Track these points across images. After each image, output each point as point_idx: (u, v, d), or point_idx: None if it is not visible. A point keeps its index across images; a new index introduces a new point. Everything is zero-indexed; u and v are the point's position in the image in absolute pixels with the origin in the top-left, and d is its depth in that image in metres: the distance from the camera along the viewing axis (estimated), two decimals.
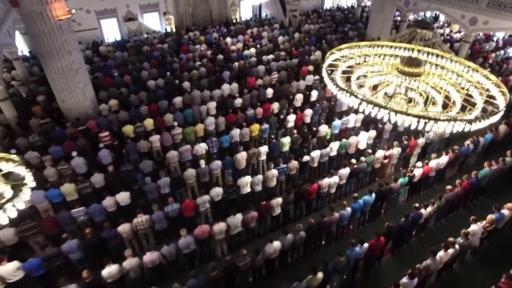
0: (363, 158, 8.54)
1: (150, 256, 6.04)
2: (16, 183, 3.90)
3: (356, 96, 5.32)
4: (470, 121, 4.82)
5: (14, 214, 3.67)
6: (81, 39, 15.72)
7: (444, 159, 8.69)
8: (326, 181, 7.78)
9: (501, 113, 5.19)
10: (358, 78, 6.61)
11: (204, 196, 7.25)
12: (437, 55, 5.67)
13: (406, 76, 5.59)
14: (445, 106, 6.02)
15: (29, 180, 4.01)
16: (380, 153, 8.71)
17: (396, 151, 8.97)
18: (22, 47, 15.30)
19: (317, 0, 23.05)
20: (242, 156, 8.44)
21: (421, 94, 6.00)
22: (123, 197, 7.28)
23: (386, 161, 9.02)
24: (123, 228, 6.65)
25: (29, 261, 5.99)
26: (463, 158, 9.46)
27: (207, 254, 6.98)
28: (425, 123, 4.78)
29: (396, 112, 4.92)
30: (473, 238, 6.48)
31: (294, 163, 8.39)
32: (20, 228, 6.54)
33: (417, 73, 5.56)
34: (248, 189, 7.75)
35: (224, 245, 6.97)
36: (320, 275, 5.70)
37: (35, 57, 14.75)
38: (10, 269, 5.79)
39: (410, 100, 6.14)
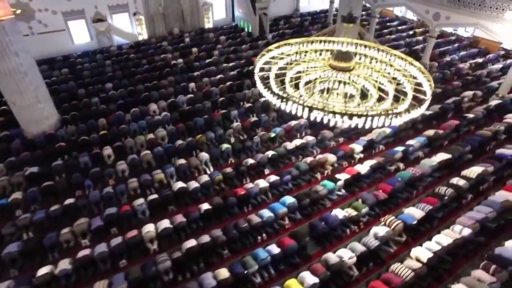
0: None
1: (82, 253, 6.91)
2: None
3: (288, 100, 5.25)
4: (398, 114, 4.84)
5: None
6: (50, 40, 15.74)
7: (370, 162, 9.42)
8: (251, 185, 8.63)
9: (427, 102, 5.22)
10: (291, 79, 6.52)
11: (140, 199, 8.25)
12: (365, 46, 5.78)
13: (339, 71, 5.53)
14: (380, 99, 6.06)
15: None
16: (308, 158, 9.55)
17: (330, 157, 9.66)
18: None
19: (293, 3, 23.02)
20: (181, 162, 9.41)
21: (357, 89, 5.95)
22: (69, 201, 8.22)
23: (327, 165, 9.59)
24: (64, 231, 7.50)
25: None
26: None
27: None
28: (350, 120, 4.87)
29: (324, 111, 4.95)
30: None
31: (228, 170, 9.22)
32: None
33: (348, 67, 5.49)
34: (178, 185, 8.62)
35: (155, 243, 7.54)
36: None
37: None
38: None
39: (346, 95, 6.07)
